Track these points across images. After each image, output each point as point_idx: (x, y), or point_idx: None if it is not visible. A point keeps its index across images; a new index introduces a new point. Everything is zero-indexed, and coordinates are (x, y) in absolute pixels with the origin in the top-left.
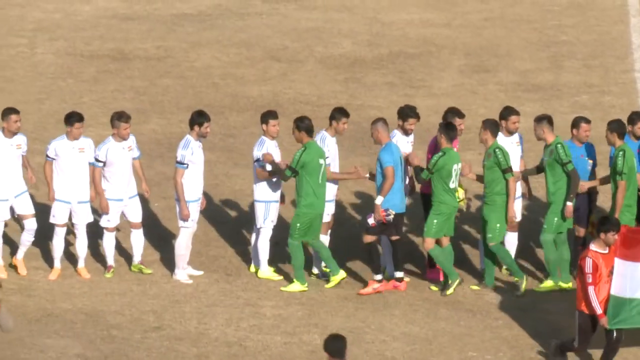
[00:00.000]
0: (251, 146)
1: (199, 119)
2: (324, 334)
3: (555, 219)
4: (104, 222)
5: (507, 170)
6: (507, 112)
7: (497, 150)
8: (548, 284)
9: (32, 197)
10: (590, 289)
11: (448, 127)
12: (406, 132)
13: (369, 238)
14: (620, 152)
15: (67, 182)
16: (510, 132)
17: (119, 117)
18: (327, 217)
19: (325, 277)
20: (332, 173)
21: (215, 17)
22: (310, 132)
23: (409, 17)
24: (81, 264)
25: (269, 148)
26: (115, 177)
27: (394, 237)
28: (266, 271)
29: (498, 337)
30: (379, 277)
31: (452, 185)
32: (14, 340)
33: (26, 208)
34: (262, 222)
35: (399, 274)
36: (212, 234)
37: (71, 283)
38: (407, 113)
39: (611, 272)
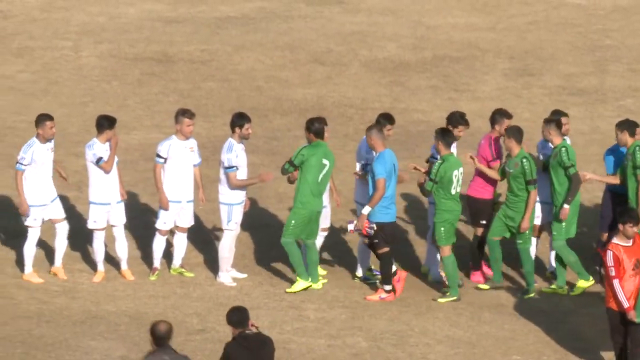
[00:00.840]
0: (295, 149)
1: (239, 121)
2: (367, 337)
3: (564, 223)
4: (159, 224)
5: (531, 181)
6: (557, 114)
7: (524, 160)
8: (581, 284)
9: (74, 199)
10: (615, 282)
11: (445, 134)
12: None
13: (384, 250)
14: (637, 147)
15: (105, 184)
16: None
17: (183, 113)
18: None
19: (368, 279)
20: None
21: (259, 20)
22: (319, 134)
23: (453, 21)
24: (124, 266)
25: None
26: (174, 176)
27: (384, 250)
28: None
29: (541, 340)
30: (388, 287)
31: (453, 191)
32: (58, 343)
33: (58, 212)
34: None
35: (388, 287)
36: (256, 236)
37: (115, 285)
38: (457, 120)
39: (636, 266)
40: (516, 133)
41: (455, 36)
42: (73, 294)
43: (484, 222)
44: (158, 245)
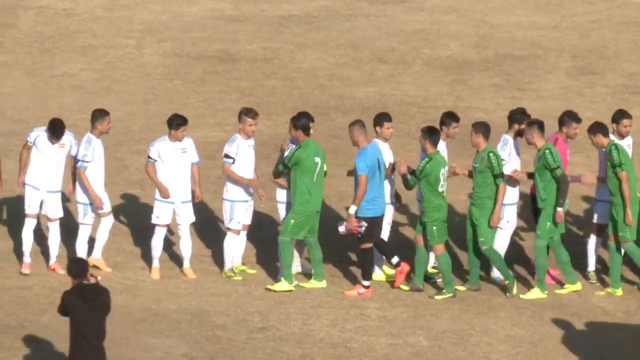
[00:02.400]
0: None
1: (247, 113)
2: (428, 336)
3: (548, 224)
4: (233, 224)
5: (498, 175)
6: (619, 115)
7: (491, 154)
8: (571, 287)
9: (137, 197)
10: None
11: (431, 132)
12: (518, 135)
13: (367, 245)
14: (613, 146)
15: (170, 183)
16: (621, 136)
17: (246, 112)
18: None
19: (431, 278)
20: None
21: (322, 18)
22: (306, 130)
23: (516, 20)
24: (186, 264)
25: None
26: (241, 174)
27: (367, 245)
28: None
29: (604, 341)
30: (367, 283)
31: (440, 189)
32: (120, 340)
33: (106, 206)
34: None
35: (366, 283)
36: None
37: (176, 283)
38: (519, 118)
39: None
40: (483, 128)
41: (518, 35)
42: (134, 291)
43: None
44: (230, 244)
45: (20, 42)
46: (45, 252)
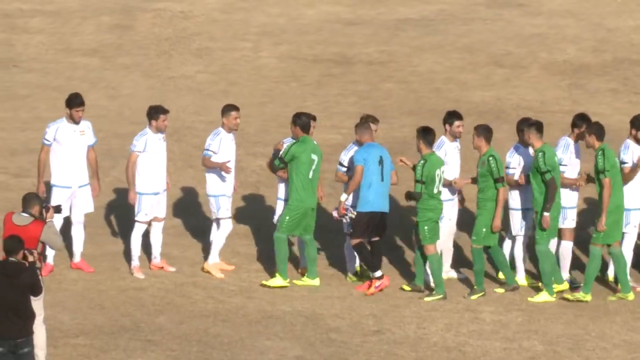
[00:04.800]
0: (472, 150)
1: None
2: (543, 341)
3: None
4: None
5: (498, 179)
6: None
7: (490, 158)
8: (542, 296)
9: (254, 199)
10: None
11: (426, 132)
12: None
13: (355, 241)
14: (600, 152)
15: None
16: None
17: (367, 118)
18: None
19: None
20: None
21: (439, 22)
22: (305, 128)
23: (634, 24)
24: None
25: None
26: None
27: (374, 238)
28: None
29: None
30: (378, 274)
31: (436, 190)
32: (235, 342)
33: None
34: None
35: (377, 274)
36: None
37: (291, 286)
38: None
39: None
40: (485, 132)
41: (636, 39)
42: (249, 293)
43: None
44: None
45: (138, 44)
46: (148, 251)
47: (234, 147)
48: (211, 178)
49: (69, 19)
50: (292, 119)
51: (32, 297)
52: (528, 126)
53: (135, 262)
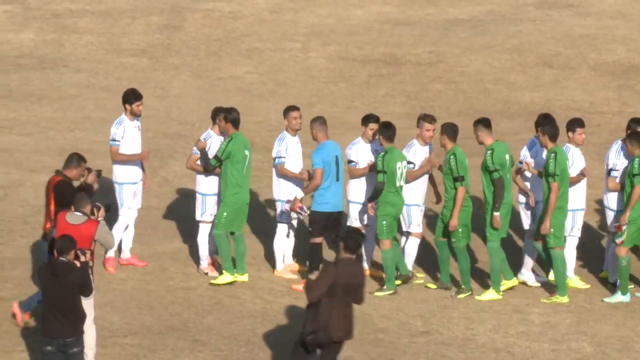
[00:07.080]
0: (521, 152)
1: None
2: (592, 343)
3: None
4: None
5: (457, 178)
6: None
7: (451, 157)
8: (488, 294)
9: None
10: None
11: (385, 127)
12: None
13: (316, 240)
14: (552, 154)
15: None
16: None
17: (424, 118)
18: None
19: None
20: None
21: (488, 22)
22: (236, 123)
23: None
24: (365, 266)
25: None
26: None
27: (316, 240)
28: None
29: None
30: (313, 277)
31: (398, 184)
32: (281, 343)
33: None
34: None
35: (313, 277)
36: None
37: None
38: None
39: None
40: (450, 130)
41: None
42: (298, 294)
43: None
44: (411, 250)
45: (187, 45)
46: (195, 251)
47: (299, 149)
48: (279, 183)
49: (118, 19)
50: (222, 114)
51: (82, 297)
52: (476, 123)
53: (205, 261)
